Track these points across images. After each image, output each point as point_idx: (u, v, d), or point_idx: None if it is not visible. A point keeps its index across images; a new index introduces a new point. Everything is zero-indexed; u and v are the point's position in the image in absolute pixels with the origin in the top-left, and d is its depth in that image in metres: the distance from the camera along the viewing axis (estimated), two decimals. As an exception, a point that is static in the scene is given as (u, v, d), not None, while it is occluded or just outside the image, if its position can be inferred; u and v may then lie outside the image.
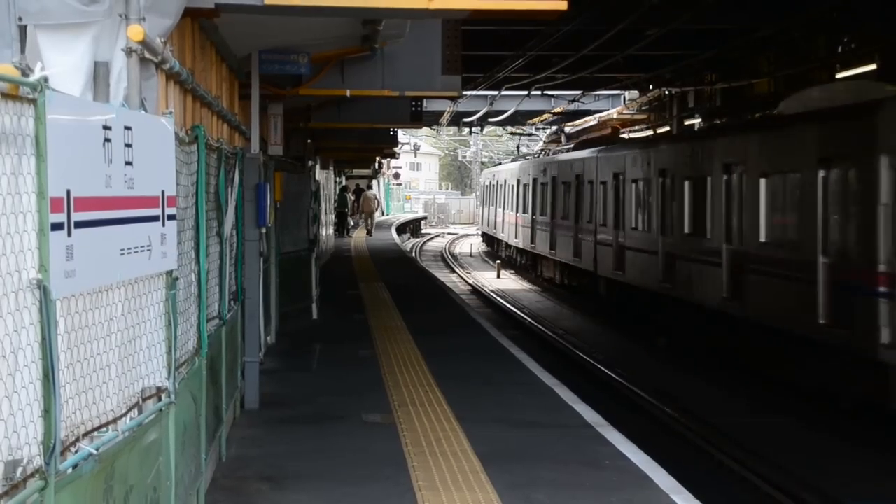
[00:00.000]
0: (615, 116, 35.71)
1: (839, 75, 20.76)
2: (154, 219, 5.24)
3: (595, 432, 10.09)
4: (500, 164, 52.58)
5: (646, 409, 14.72)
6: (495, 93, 32.98)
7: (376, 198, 54.51)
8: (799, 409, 14.19)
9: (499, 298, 28.72)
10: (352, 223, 47.96)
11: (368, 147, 32.64)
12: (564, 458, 9.09)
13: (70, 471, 4.01)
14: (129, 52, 5.30)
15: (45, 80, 3.71)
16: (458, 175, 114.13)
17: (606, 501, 7.91)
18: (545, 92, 32.21)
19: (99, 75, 5.17)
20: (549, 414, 10.92)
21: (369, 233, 47.44)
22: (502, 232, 41.41)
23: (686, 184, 19.42)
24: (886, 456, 11.94)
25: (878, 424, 12.86)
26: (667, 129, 30.86)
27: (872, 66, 19.42)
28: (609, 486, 8.30)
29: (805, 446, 12.53)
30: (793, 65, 22.35)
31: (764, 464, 11.57)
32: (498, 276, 36.41)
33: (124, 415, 4.82)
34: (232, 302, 9.60)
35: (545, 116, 40.05)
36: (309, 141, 23.15)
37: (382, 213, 61.67)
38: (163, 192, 5.39)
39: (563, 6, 7.72)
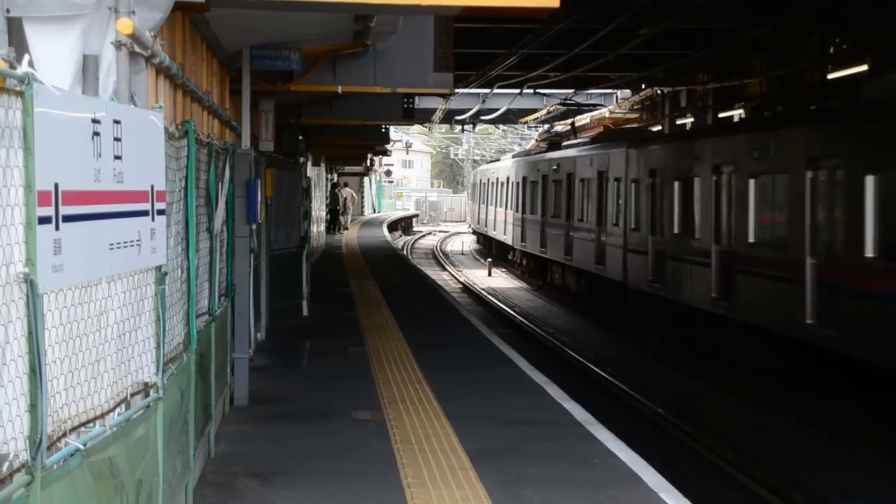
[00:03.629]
0: (607, 115, 35.72)
1: (830, 76, 20.80)
2: (143, 213, 5.22)
3: (584, 430, 10.10)
4: (498, 159, 50.87)
5: (636, 407, 14.73)
6: (487, 91, 32.97)
7: (352, 195, 55.19)
8: (792, 410, 14.19)
9: (490, 296, 28.72)
10: (343, 221, 48.06)
11: (360, 144, 32.63)
12: (554, 456, 9.09)
13: (57, 466, 3.99)
14: (118, 45, 5.28)
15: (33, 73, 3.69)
16: (449, 173, 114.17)
17: (595, 499, 7.91)
18: (537, 90, 32.21)
19: (88, 68, 5.14)
20: (538, 412, 10.92)
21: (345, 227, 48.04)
22: (504, 234, 37.91)
23: (752, 182, 16.31)
24: (878, 456, 11.96)
25: (871, 425, 12.88)
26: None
27: (864, 67, 19.46)
28: (598, 483, 8.30)
29: (797, 447, 12.55)
30: (785, 65, 22.37)
31: (754, 463, 11.57)
32: (489, 275, 36.42)
33: (112, 410, 4.81)
34: (222, 298, 9.58)
35: (539, 114, 39.99)
36: (300, 137, 23.12)
37: (361, 211, 62.21)
38: (152, 186, 5.36)
39: (555, 4, 7.71)
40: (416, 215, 74.43)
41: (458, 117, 42.07)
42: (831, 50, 21.58)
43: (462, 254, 47.96)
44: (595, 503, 7.82)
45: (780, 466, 11.47)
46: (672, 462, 11.00)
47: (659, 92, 30.82)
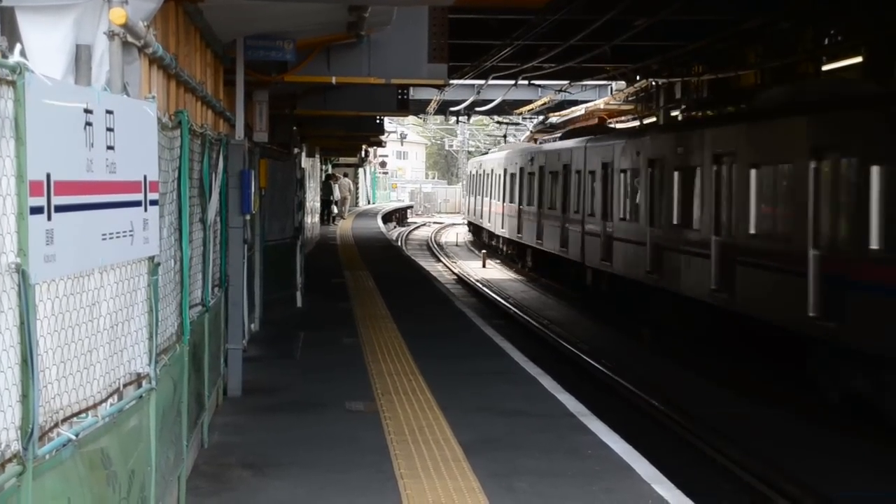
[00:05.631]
0: (602, 107, 35.72)
1: (825, 67, 20.81)
2: (136, 204, 5.21)
3: (578, 422, 10.11)
4: (502, 145, 48.01)
5: (629, 399, 14.75)
6: (482, 82, 32.93)
7: (349, 186, 55.39)
8: (787, 402, 14.19)
9: (484, 288, 28.73)
10: (336, 211, 48.08)
11: (355, 135, 32.58)
12: (547, 447, 9.11)
13: (49, 456, 3.99)
14: (111, 35, 5.26)
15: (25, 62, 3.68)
16: (444, 164, 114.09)
17: (588, 490, 7.92)
18: (532, 82, 32.16)
19: (81, 58, 5.12)
20: (532, 403, 10.93)
21: (342, 216, 48.55)
22: (518, 233, 34.10)
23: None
24: (871, 447, 11.98)
25: (864, 417, 12.91)
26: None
27: (858, 59, 19.46)
28: (591, 474, 8.32)
29: (790, 438, 12.57)
30: (779, 57, 22.38)
31: (745, 453, 11.59)
32: (483, 266, 36.43)
33: (105, 400, 4.80)
34: (215, 289, 9.57)
35: (535, 105, 39.94)
36: (295, 128, 23.07)
37: (356, 202, 62.37)
38: (145, 177, 5.36)
39: (550, -5, 7.69)
40: (411, 206, 74.39)
41: (452, 108, 42.04)
42: (826, 41, 21.59)
43: (456, 245, 47.96)
44: (588, 494, 7.84)
45: (774, 457, 11.49)
46: (665, 453, 11.02)
47: (653, 83, 30.81)
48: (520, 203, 33.95)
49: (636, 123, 32.22)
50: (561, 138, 31.05)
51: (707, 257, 17.45)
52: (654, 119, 31.18)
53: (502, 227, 37.84)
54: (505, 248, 38.38)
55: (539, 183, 31.22)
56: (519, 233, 34.23)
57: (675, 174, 19.26)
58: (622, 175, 22.61)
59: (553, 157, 29.62)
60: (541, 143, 34.74)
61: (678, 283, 19.10)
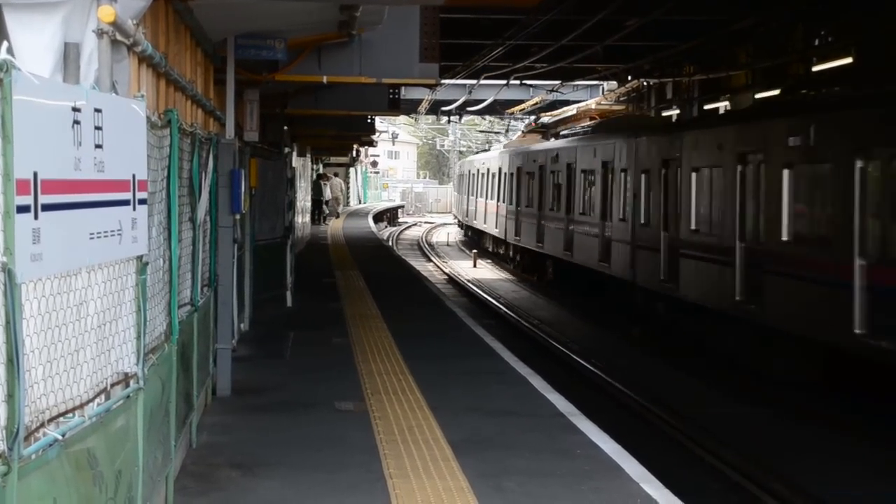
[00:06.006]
0: (594, 107, 35.75)
1: (816, 68, 20.85)
2: (124, 203, 5.19)
3: (567, 422, 10.11)
4: (509, 141, 43.40)
5: (619, 398, 14.76)
6: (474, 82, 32.94)
7: (341, 186, 55.53)
8: (785, 402, 14.18)
9: (475, 288, 28.73)
10: (327, 211, 48.08)
11: (346, 134, 32.59)
12: (536, 447, 9.10)
13: (34, 456, 3.97)
14: (100, 33, 5.24)
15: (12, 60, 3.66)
16: (435, 164, 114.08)
17: (577, 490, 7.92)
18: (524, 81, 32.20)
19: (69, 56, 5.10)
20: (521, 403, 10.93)
21: (334, 216, 49.09)
22: (538, 242, 30.29)
23: None
24: (871, 447, 11.99)
25: (854, 415, 12.93)
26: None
27: (849, 59, 19.51)
28: (580, 474, 8.32)
29: (779, 437, 12.58)
30: (770, 57, 22.42)
31: (734, 453, 11.60)
32: (474, 266, 36.43)
33: (92, 400, 4.78)
34: (205, 288, 9.55)
35: (526, 105, 39.96)
36: (285, 127, 23.03)
37: (348, 201, 62.52)
38: (133, 176, 5.34)
39: (540, -5, 7.69)
40: (402, 206, 74.38)
41: (444, 108, 42.03)
42: (816, 42, 21.64)
43: (447, 245, 47.95)
44: (577, 494, 7.83)
45: (763, 457, 11.49)
46: (655, 453, 11.01)
47: (645, 83, 30.85)
48: (540, 207, 30.20)
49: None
50: (592, 131, 26.97)
51: (846, 287, 13.10)
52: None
53: (516, 235, 33.78)
54: (518, 258, 34.43)
55: (567, 184, 27.10)
56: (539, 241, 29.96)
57: (785, 172, 15.06)
58: (695, 174, 18.43)
59: (587, 153, 25.48)
60: (562, 137, 30.98)
61: (794, 320, 14.64)
